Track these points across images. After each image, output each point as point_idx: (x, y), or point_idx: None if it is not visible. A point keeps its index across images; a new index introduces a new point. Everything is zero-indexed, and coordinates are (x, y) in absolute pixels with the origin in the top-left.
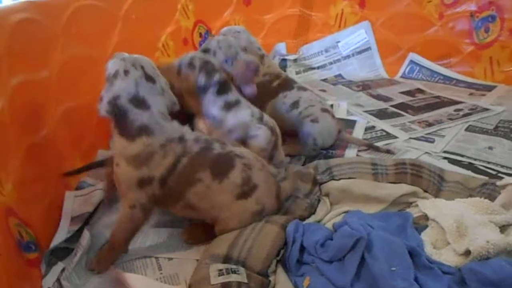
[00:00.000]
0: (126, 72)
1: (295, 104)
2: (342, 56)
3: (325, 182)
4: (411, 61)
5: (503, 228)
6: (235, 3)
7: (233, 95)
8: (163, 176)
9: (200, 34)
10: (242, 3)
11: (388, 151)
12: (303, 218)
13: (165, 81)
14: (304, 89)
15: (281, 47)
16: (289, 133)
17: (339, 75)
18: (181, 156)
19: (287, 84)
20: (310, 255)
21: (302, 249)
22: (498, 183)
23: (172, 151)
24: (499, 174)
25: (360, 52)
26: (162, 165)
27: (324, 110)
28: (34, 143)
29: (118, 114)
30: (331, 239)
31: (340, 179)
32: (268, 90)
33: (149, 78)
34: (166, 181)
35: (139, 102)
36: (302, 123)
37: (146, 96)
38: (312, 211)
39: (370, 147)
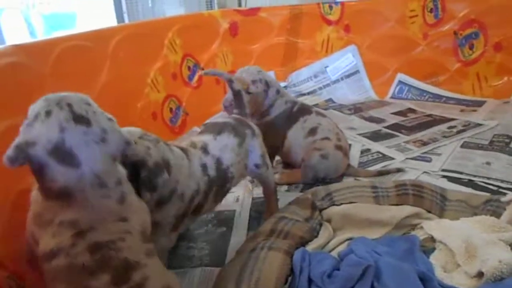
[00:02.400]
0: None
1: (313, 131)
2: (331, 81)
3: (326, 208)
4: (400, 82)
5: None
6: (222, 34)
7: None
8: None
9: (189, 67)
10: (229, 35)
11: (398, 170)
12: (305, 242)
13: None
14: (322, 115)
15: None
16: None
17: (330, 99)
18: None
19: (306, 109)
20: (318, 287)
21: (309, 280)
22: (503, 199)
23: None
24: (500, 190)
25: (348, 76)
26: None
27: (338, 148)
28: (23, 190)
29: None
30: (338, 269)
31: (341, 204)
32: (290, 115)
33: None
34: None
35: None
36: (311, 154)
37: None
38: (314, 234)
39: (380, 174)
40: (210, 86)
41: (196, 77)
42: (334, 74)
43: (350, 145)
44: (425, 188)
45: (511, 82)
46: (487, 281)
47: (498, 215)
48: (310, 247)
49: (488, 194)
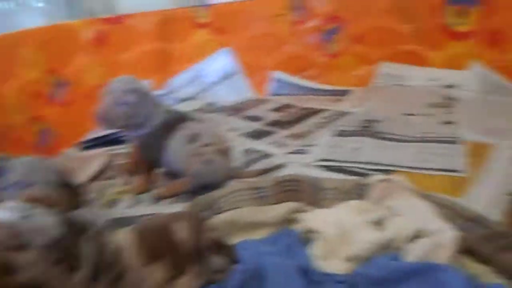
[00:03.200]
0: None
1: (194, 138)
2: (209, 84)
3: (210, 219)
4: (276, 79)
5: (378, 225)
6: (86, 44)
7: None
8: None
9: (52, 84)
10: (94, 45)
11: (279, 166)
12: None
13: None
14: (202, 120)
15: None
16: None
17: (210, 103)
18: None
19: (184, 116)
20: None
21: None
22: (366, 181)
23: None
24: (369, 172)
25: (226, 77)
26: None
27: (221, 152)
28: None
29: None
30: None
31: (224, 211)
32: (168, 125)
33: None
34: None
35: None
36: (193, 162)
37: None
38: None
39: (263, 173)
40: (80, 103)
41: (61, 94)
42: (211, 77)
43: (231, 147)
44: (301, 182)
45: (371, 70)
46: (359, 262)
47: (365, 197)
48: None
49: (357, 178)
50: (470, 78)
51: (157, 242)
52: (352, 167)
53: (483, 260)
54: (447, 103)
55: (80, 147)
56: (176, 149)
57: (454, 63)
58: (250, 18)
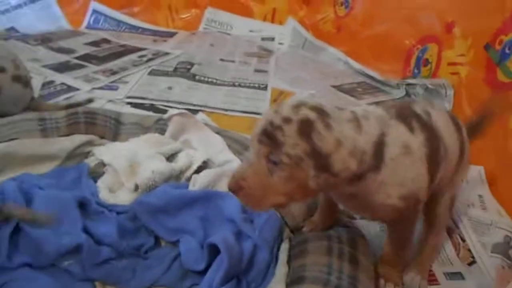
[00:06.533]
0: None
1: None
2: (11, 6)
3: None
4: (95, 11)
5: (172, 157)
6: None
7: None
8: None
9: None
10: None
11: (89, 101)
12: None
13: None
14: None
15: None
16: None
17: (12, 28)
18: None
19: None
20: None
21: None
22: (164, 116)
23: None
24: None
25: (33, 1)
26: None
27: (16, 79)
28: None
29: None
30: None
31: None
32: None
33: None
34: None
35: None
36: None
37: None
38: None
39: (70, 107)
40: None
41: None
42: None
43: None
44: (97, 114)
45: (198, 15)
46: (143, 192)
47: (164, 132)
48: None
49: (160, 114)
50: (286, 33)
51: None
52: (163, 105)
53: None
54: (262, 53)
55: None
56: None
57: (273, 17)
58: None
